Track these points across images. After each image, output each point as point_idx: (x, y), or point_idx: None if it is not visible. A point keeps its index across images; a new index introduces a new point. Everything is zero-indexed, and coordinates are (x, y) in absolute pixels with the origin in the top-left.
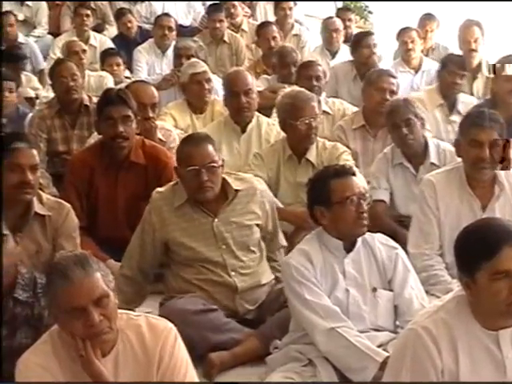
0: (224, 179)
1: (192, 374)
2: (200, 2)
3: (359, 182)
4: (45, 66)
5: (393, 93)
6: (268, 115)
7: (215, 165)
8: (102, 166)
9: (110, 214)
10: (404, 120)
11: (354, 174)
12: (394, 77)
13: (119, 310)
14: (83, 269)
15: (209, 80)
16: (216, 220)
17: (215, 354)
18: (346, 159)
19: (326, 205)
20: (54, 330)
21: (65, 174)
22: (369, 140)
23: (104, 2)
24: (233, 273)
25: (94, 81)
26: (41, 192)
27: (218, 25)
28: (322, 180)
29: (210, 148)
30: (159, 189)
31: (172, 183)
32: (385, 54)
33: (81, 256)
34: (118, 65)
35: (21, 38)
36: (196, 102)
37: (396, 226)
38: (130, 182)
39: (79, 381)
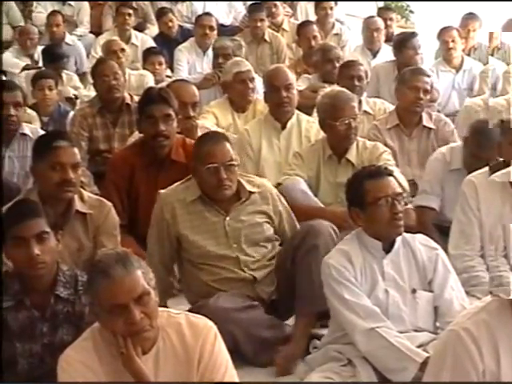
0: (238, 180)
1: (232, 373)
2: (241, 2)
3: (394, 182)
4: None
5: (427, 91)
6: (309, 114)
7: (234, 163)
8: (142, 164)
9: (150, 211)
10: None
11: (389, 175)
12: (428, 75)
13: (160, 308)
14: (124, 267)
15: (252, 79)
16: (228, 218)
17: (280, 357)
18: (387, 159)
19: (360, 206)
20: (95, 327)
21: (106, 172)
22: (404, 139)
23: (145, 2)
24: (245, 268)
25: (135, 79)
26: (82, 190)
27: (258, 24)
28: (357, 181)
29: (228, 146)
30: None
31: (181, 181)
32: (426, 53)
33: (122, 254)
34: (160, 64)
35: (68, 38)
36: (239, 100)
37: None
38: (171, 180)
39: (119, 378)
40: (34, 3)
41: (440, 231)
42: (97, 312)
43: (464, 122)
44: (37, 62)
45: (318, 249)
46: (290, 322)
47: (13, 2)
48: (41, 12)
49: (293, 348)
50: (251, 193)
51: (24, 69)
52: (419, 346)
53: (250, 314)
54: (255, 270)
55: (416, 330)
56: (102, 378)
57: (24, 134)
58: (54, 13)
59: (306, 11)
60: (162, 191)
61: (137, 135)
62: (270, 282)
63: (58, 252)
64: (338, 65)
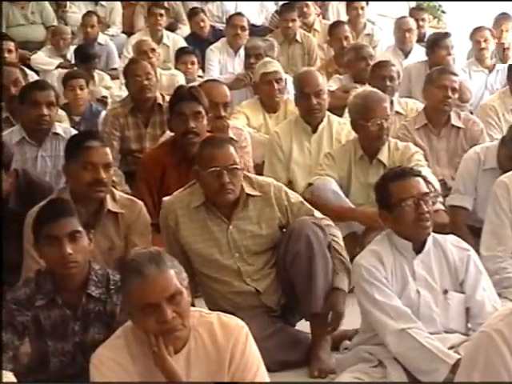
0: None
1: (263, 374)
2: (272, 2)
3: (420, 182)
4: (117, 64)
5: (455, 90)
6: (340, 115)
7: (237, 166)
8: (173, 162)
9: None
10: None
11: (415, 175)
12: (456, 74)
13: (192, 308)
14: (157, 266)
15: (279, 80)
16: (231, 227)
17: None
18: (418, 159)
19: (387, 207)
20: (128, 325)
21: (137, 171)
22: (432, 139)
23: (177, 2)
24: (248, 279)
25: (166, 79)
26: (114, 190)
27: (290, 24)
28: (383, 183)
29: (232, 149)
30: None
31: (185, 187)
32: (458, 53)
33: (155, 253)
34: (193, 63)
35: (100, 38)
36: (267, 101)
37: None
38: None
39: (151, 376)
40: (68, 3)
41: (472, 232)
42: (129, 311)
43: (481, 119)
44: (69, 62)
45: (300, 253)
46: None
47: (46, 2)
48: (75, 12)
49: (318, 353)
50: (249, 195)
51: (57, 67)
52: (450, 348)
53: (276, 339)
54: (257, 280)
55: (447, 332)
56: (134, 377)
57: (56, 134)
58: (89, 13)
59: (338, 11)
60: (166, 198)
61: (168, 135)
62: (274, 290)
63: (90, 251)
64: (369, 64)
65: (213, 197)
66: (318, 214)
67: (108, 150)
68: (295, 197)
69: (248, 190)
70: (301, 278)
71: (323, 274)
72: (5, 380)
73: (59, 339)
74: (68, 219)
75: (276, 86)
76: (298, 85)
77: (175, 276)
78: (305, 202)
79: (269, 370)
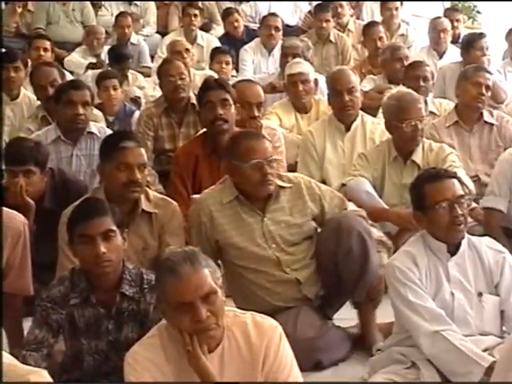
0: None
1: (296, 374)
2: (306, 2)
3: (456, 184)
4: (149, 63)
5: (488, 88)
6: (374, 115)
7: (274, 158)
8: (205, 153)
9: None
10: None
11: (450, 177)
12: (490, 73)
13: (226, 308)
14: (192, 265)
15: (305, 81)
16: (265, 219)
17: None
18: (453, 160)
19: (421, 209)
20: (162, 324)
21: (171, 171)
22: (464, 135)
23: (211, 2)
24: (287, 269)
25: (200, 79)
26: (148, 189)
27: (324, 24)
28: (417, 184)
29: (267, 142)
30: (207, 189)
31: (216, 185)
32: (493, 54)
33: (190, 252)
34: (227, 63)
35: (133, 38)
36: (294, 102)
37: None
38: None
39: (185, 375)
40: (103, 4)
41: (507, 234)
42: (164, 309)
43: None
44: (103, 63)
45: (353, 251)
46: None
47: (88, 2)
48: (105, 15)
49: (367, 332)
50: (282, 187)
51: (88, 68)
52: (485, 350)
53: (330, 336)
54: (298, 270)
55: (481, 334)
56: (168, 376)
57: (91, 133)
58: (123, 14)
59: (372, 12)
60: (197, 196)
61: (200, 122)
62: (314, 281)
63: (124, 250)
64: (404, 65)
65: (253, 189)
66: (350, 204)
67: (143, 150)
68: (325, 187)
69: (281, 182)
70: (353, 274)
71: (375, 268)
72: (40, 378)
73: (93, 337)
74: (102, 218)
75: (301, 87)
76: (330, 83)
77: (209, 275)
78: (335, 191)
79: (321, 364)
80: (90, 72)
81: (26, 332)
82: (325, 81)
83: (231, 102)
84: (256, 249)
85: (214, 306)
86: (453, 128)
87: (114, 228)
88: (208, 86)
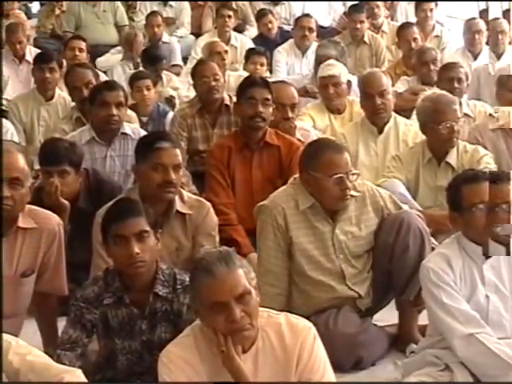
0: None
1: (330, 375)
2: (340, 2)
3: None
4: (180, 62)
5: None
6: (408, 117)
7: (354, 171)
8: (238, 147)
9: (245, 194)
10: None
11: (487, 179)
12: None
13: (260, 308)
14: (227, 265)
15: (337, 84)
16: (336, 229)
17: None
18: (487, 162)
19: (458, 210)
20: (196, 324)
21: (204, 172)
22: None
23: (245, 3)
24: (350, 283)
25: (234, 80)
26: (182, 190)
27: (358, 25)
28: (455, 185)
29: (347, 155)
30: (275, 193)
31: (282, 189)
32: None
33: (225, 253)
34: (262, 64)
35: (165, 37)
36: (326, 104)
37: None
38: (264, 163)
39: (219, 376)
40: (138, 4)
41: None
42: (198, 309)
43: None
44: (138, 64)
45: (410, 247)
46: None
47: (119, 2)
48: (141, 21)
49: (408, 332)
50: (352, 196)
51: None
52: None
53: (370, 333)
54: (358, 283)
55: None
56: (202, 375)
57: (125, 134)
58: (153, 13)
59: (406, 13)
60: (266, 202)
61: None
62: (369, 293)
63: (158, 251)
64: (433, 67)
65: (331, 202)
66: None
67: (178, 150)
68: (385, 193)
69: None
70: (406, 271)
71: None
72: (74, 378)
73: (126, 337)
74: (136, 219)
75: (332, 89)
76: (362, 86)
77: (244, 275)
78: (393, 196)
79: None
80: (121, 71)
81: (60, 331)
82: (356, 83)
83: (271, 102)
84: (324, 258)
85: (248, 307)
86: (500, 132)
87: (148, 229)
88: (253, 82)
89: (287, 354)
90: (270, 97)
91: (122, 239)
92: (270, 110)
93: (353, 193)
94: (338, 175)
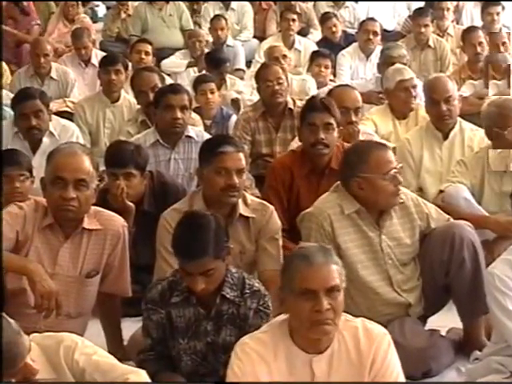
0: None
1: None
2: (405, 6)
3: None
4: (243, 66)
5: None
6: (474, 121)
7: (400, 165)
8: (302, 171)
9: None
10: None
11: None
12: None
13: None
14: (324, 256)
15: (415, 86)
16: (383, 235)
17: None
18: None
19: None
20: (274, 322)
21: (266, 176)
22: None
23: (309, 6)
24: (398, 289)
25: (297, 85)
26: (246, 194)
27: (422, 29)
28: None
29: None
30: (318, 200)
31: (328, 194)
32: None
33: (324, 247)
34: (327, 67)
35: (229, 41)
36: (401, 108)
37: None
38: None
39: (290, 375)
40: (203, 8)
41: None
42: (285, 297)
43: None
44: (203, 67)
45: (466, 262)
46: None
47: (184, 5)
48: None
49: (474, 339)
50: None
51: (189, 66)
52: None
53: (440, 345)
54: (407, 291)
55: None
56: (273, 373)
57: (189, 137)
58: (217, 17)
59: (472, 16)
60: (310, 210)
61: (298, 140)
62: (420, 301)
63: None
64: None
65: (385, 200)
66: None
67: (241, 154)
68: (430, 204)
69: None
70: (464, 286)
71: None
72: (139, 378)
73: (191, 338)
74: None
75: (413, 92)
76: (427, 91)
77: (337, 272)
78: (438, 209)
79: (425, 376)
80: (185, 76)
81: (124, 332)
82: (422, 87)
83: (335, 125)
84: (371, 263)
85: (335, 302)
86: None
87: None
88: (313, 107)
89: (361, 358)
90: (332, 121)
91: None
92: (334, 134)
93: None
94: (393, 171)
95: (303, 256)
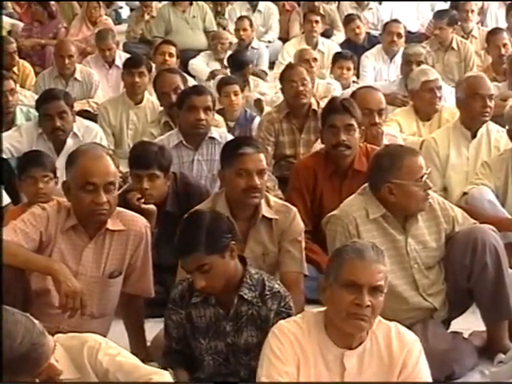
0: None
1: None
2: (429, 7)
3: None
4: (265, 68)
5: None
6: (498, 123)
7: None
8: (325, 173)
9: None
10: None
11: None
12: None
13: None
14: (377, 255)
15: (440, 87)
16: (409, 238)
17: None
18: None
19: None
20: (310, 312)
21: (289, 178)
22: None
23: (333, 8)
24: (424, 293)
25: (322, 88)
26: (268, 195)
27: (437, 32)
28: None
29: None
30: (344, 203)
31: (353, 197)
32: None
33: (378, 247)
34: (349, 69)
35: (255, 43)
36: (426, 109)
37: None
38: (355, 189)
39: (315, 365)
40: (227, 10)
41: None
42: (326, 286)
43: None
44: (226, 67)
45: (488, 266)
46: None
47: (207, 7)
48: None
49: (498, 343)
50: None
51: (210, 78)
52: None
53: (463, 348)
54: (433, 295)
55: None
56: (308, 355)
57: (212, 138)
58: (241, 18)
59: (496, 18)
60: (336, 212)
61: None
62: (445, 305)
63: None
64: None
65: (416, 205)
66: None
67: (262, 155)
68: (456, 208)
69: None
70: (487, 291)
71: (509, 283)
72: (162, 379)
73: (212, 338)
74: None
75: (438, 93)
76: (468, 88)
77: (383, 272)
78: (465, 213)
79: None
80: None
81: (147, 333)
82: (449, 89)
83: (356, 126)
84: (397, 266)
85: (375, 301)
86: None
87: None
88: (333, 108)
89: (392, 360)
90: (353, 122)
91: None
92: (356, 135)
93: None
94: (425, 177)
95: (357, 249)
